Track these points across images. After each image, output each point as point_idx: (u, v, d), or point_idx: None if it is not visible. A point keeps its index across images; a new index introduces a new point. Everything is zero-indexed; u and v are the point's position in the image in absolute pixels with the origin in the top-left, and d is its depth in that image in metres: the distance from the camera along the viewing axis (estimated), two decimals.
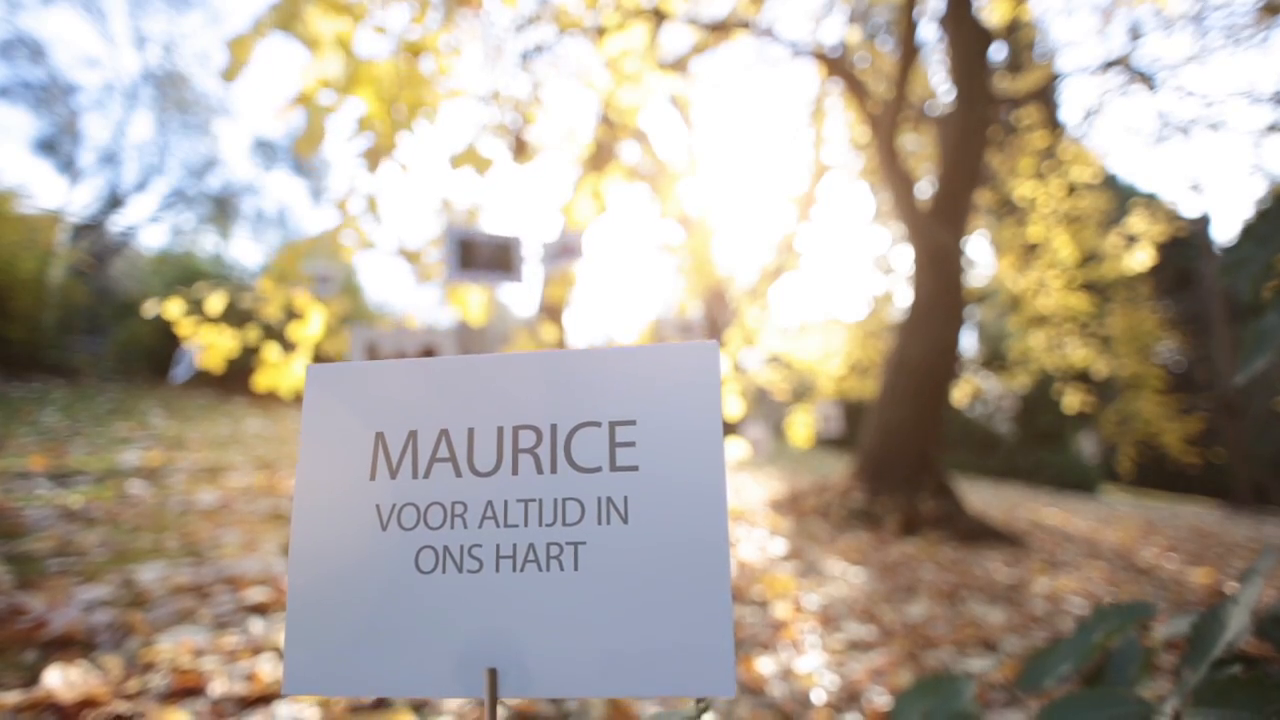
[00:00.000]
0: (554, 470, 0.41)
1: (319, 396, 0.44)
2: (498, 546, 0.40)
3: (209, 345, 2.63)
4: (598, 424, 0.41)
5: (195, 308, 2.70)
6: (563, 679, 0.38)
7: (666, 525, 0.39)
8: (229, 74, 2.25)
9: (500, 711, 1.38)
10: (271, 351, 2.58)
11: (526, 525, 0.40)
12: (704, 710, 0.50)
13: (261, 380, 2.60)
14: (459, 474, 0.42)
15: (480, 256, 2.22)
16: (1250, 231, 0.80)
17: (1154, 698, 0.59)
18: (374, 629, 0.40)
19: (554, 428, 0.42)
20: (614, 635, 0.38)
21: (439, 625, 0.39)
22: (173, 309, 2.62)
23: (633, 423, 0.41)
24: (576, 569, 0.39)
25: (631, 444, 0.40)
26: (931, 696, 0.84)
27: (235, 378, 4.50)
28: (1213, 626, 0.65)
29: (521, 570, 0.40)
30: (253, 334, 2.66)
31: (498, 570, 0.40)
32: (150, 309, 2.72)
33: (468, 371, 0.43)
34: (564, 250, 2.39)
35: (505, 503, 0.41)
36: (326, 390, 0.44)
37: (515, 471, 0.41)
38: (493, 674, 0.38)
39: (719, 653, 0.37)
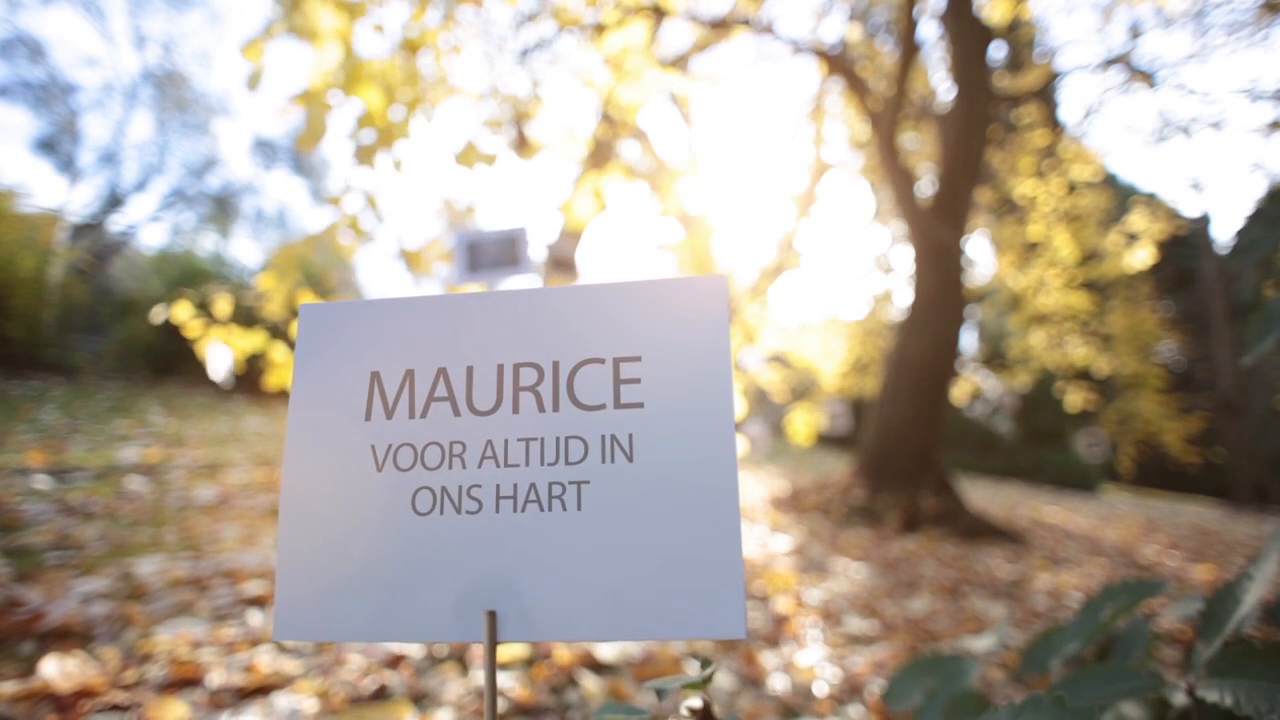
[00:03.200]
0: (556, 408, 0.39)
1: (313, 335, 0.42)
2: (498, 487, 0.39)
3: (230, 346, 2.63)
4: (601, 360, 0.40)
5: (203, 310, 2.69)
6: (565, 622, 0.36)
7: (673, 463, 0.38)
8: (251, 83, 2.24)
9: (501, 704, 1.36)
10: (279, 352, 2.58)
11: (528, 465, 0.39)
12: (708, 679, 0.49)
13: (272, 380, 2.59)
14: (457, 413, 0.40)
15: (486, 255, 2.22)
16: (1260, 214, 0.79)
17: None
18: (369, 572, 0.38)
19: (556, 365, 0.40)
20: (618, 577, 0.37)
21: (436, 568, 0.38)
22: (181, 312, 2.60)
23: (638, 359, 0.39)
24: (580, 509, 0.38)
25: (636, 380, 0.39)
26: (932, 675, 0.82)
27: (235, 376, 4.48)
28: (1227, 602, 0.63)
29: (522, 511, 0.38)
30: (260, 338, 2.65)
31: (497, 511, 0.38)
32: (159, 314, 2.70)
33: (466, 308, 0.42)
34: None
35: (505, 442, 0.39)
36: (320, 329, 0.42)
37: (516, 410, 0.40)
38: (492, 617, 0.37)
39: (729, 593, 0.35)
